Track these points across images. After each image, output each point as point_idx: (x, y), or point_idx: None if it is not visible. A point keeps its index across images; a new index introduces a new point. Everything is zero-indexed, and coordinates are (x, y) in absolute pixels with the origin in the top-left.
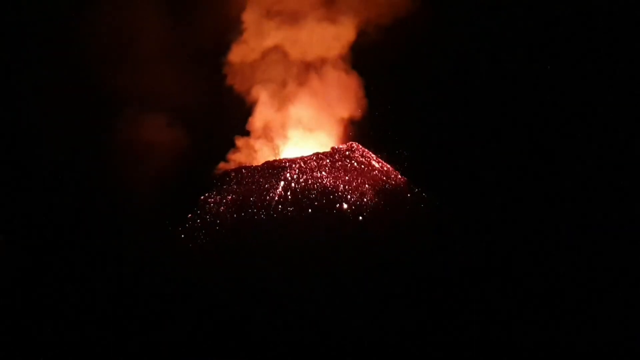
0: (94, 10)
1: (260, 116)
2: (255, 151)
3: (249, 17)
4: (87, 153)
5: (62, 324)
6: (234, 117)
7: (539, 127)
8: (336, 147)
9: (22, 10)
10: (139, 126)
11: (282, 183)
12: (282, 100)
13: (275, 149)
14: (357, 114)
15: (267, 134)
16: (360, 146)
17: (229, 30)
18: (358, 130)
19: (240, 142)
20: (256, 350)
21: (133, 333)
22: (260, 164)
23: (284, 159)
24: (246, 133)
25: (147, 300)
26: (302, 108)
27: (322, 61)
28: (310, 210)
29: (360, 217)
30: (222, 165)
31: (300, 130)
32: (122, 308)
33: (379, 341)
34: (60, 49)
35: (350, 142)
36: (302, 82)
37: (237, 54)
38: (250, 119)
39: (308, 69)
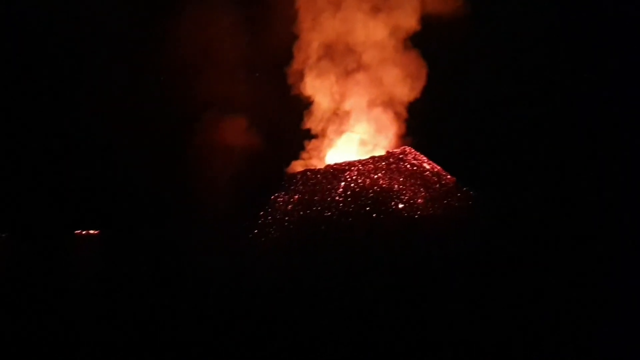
0: (176, 17)
1: (322, 121)
2: (318, 155)
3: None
4: (169, 155)
5: (148, 318)
6: (301, 121)
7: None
8: (391, 150)
9: (108, 16)
10: (218, 130)
11: (342, 184)
12: (341, 105)
13: (335, 153)
14: (411, 116)
15: (328, 139)
16: (413, 150)
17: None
18: (411, 133)
19: (306, 146)
20: (322, 337)
21: (211, 322)
22: (323, 167)
23: (344, 162)
24: (312, 138)
25: (224, 291)
26: (359, 112)
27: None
28: (367, 208)
29: (415, 216)
30: (290, 168)
31: (357, 135)
32: (202, 299)
33: (434, 339)
34: (145, 53)
35: (404, 146)
36: (359, 85)
37: (299, 59)
38: (313, 124)
39: (365, 71)
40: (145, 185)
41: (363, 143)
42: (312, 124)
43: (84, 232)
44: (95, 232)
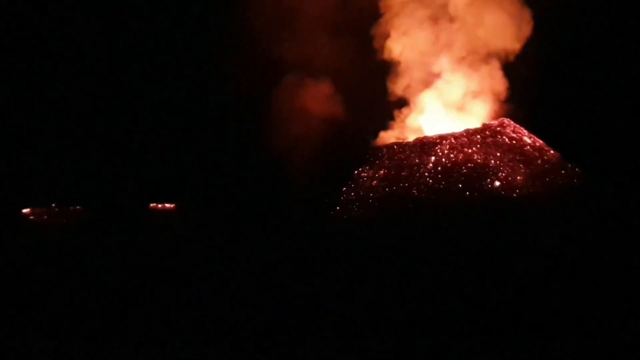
0: None
1: (411, 88)
2: (407, 126)
3: None
4: (247, 124)
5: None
6: (388, 89)
7: None
8: (487, 122)
9: None
10: (299, 96)
11: (433, 159)
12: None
13: (425, 126)
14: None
15: (418, 108)
16: (512, 122)
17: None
18: (511, 101)
19: (393, 116)
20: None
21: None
22: (412, 139)
23: (435, 135)
24: (400, 107)
25: (301, 270)
26: (452, 77)
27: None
28: (460, 186)
29: (513, 195)
30: (375, 140)
31: (451, 106)
32: (278, 277)
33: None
34: (227, 16)
35: (502, 118)
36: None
37: (386, 19)
38: (401, 91)
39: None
40: (223, 157)
41: (456, 113)
42: (400, 91)
43: (159, 205)
44: (171, 205)
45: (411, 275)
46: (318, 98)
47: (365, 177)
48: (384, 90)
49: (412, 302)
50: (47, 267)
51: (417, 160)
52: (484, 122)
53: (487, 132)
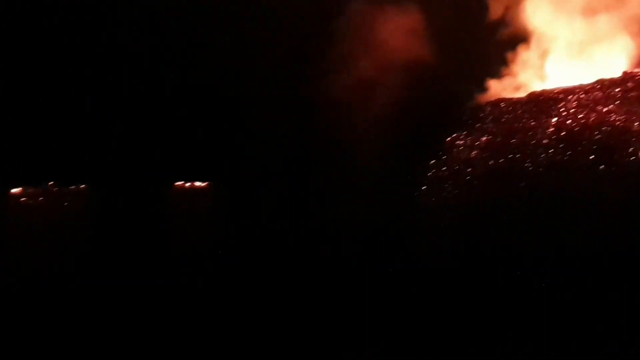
0: None
1: (525, 31)
2: (517, 78)
3: None
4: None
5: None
6: (492, 31)
7: None
8: (630, 71)
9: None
10: (376, 28)
11: (553, 121)
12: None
13: (543, 75)
14: None
15: (536, 54)
16: None
17: None
18: None
19: (498, 67)
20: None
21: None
22: (524, 95)
23: (555, 88)
24: (506, 52)
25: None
26: (577, 17)
27: None
28: (592, 157)
29: None
30: (474, 97)
31: (577, 48)
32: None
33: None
34: None
35: None
36: None
37: None
38: (507, 35)
39: None
40: (278, 124)
41: (585, 59)
42: (506, 34)
43: (187, 184)
44: (203, 184)
45: (523, 281)
46: (399, 32)
47: (462, 145)
48: (489, 27)
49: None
50: (45, 259)
51: (532, 123)
52: (626, 70)
53: (629, 84)
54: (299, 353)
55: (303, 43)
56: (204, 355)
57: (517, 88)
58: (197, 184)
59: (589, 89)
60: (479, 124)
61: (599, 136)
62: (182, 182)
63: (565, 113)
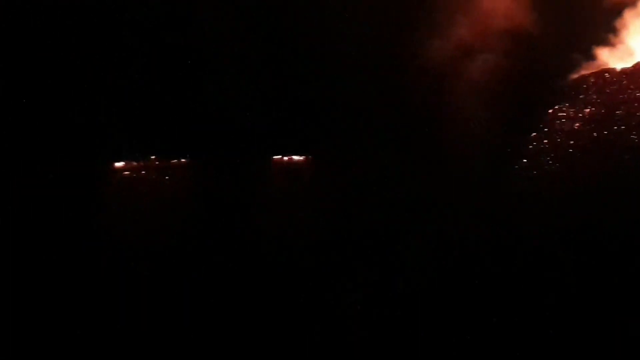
0: None
1: None
2: (623, 47)
3: None
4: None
5: None
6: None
7: None
8: None
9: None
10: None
11: None
12: None
13: None
14: None
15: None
16: None
17: None
18: None
19: (604, 35)
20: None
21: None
22: (630, 65)
23: None
24: (611, 23)
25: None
26: None
27: None
28: None
29: None
30: (577, 68)
31: None
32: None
33: None
34: None
35: None
36: None
37: None
38: None
39: None
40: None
41: None
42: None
43: (285, 158)
44: (301, 157)
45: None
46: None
47: (564, 117)
48: None
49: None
50: (148, 234)
51: (638, 94)
52: None
53: None
54: None
55: (398, 9)
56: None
57: (623, 58)
58: (295, 157)
59: None
60: (582, 95)
61: None
62: (280, 155)
63: None
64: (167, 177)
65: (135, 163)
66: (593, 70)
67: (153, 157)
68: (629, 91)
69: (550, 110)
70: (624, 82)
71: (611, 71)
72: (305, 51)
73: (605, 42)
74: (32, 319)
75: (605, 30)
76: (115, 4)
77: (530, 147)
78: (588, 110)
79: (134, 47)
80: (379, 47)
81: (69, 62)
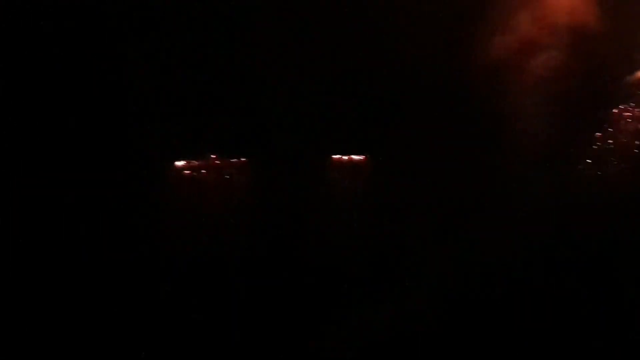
0: None
1: None
2: None
3: None
4: None
5: None
6: None
7: None
8: None
9: None
10: None
11: None
12: None
13: None
14: None
15: None
16: None
17: None
18: None
19: None
20: None
21: None
22: None
23: None
24: None
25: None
26: None
27: None
28: None
29: None
30: None
31: None
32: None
33: None
34: None
35: None
36: None
37: None
38: None
39: None
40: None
41: None
42: None
43: (345, 157)
44: (361, 157)
45: None
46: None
47: (629, 117)
48: None
49: None
50: (208, 233)
51: None
52: None
53: None
54: None
55: (459, 5)
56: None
57: None
58: (355, 157)
59: None
60: None
61: None
62: (339, 155)
63: None
64: (227, 176)
65: (195, 162)
66: None
67: (213, 156)
68: None
69: (615, 110)
70: None
71: None
72: (365, 49)
73: None
74: (95, 321)
75: None
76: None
77: (595, 147)
78: None
79: (194, 45)
80: (440, 45)
81: (131, 61)
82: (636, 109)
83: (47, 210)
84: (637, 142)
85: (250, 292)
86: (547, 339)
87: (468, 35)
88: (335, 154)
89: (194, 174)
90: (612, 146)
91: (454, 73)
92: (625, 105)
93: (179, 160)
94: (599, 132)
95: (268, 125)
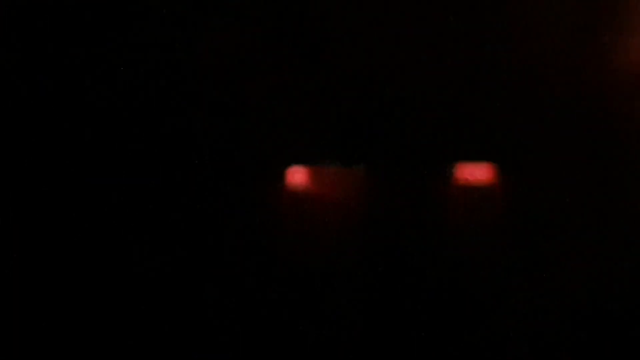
0: None
1: None
2: None
3: None
4: None
5: None
6: None
7: None
8: None
9: None
10: None
11: None
12: None
13: None
14: None
15: None
16: None
17: None
18: None
19: None
20: None
21: None
22: None
23: None
24: None
25: None
26: None
27: None
28: None
29: None
30: None
31: None
32: None
33: None
34: None
35: None
36: None
37: None
38: None
39: None
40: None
41: None
42: None
43: (465, 166)
44: (482, 166)
45: None
46: None
47: None
48: None
49: None
50: (320, 240)
51: None
52: None
53: None
54: None
55: (587, 6)
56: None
57: None
58: (477, 166)
59: None
60: None
61: None
62: (460, 162)
63: None
64: (340, 184)
65: (308, 167)
66: None
67: (327, 161)
68: None
69: None
70: None
71: None
72: (489, 55)
73: None
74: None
75: None
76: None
77: None
78: None
79: (321, 47)
80: (568, 49)
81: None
82: None
83: (175, 214)
84: None
85: (355, 296)
86: None
87: (597, 39)
88: (462, 161)
89: (306, 179)
90: None
91: (583, 80)
92: None
93: (291, 165)
94: None
95: (390, 132)
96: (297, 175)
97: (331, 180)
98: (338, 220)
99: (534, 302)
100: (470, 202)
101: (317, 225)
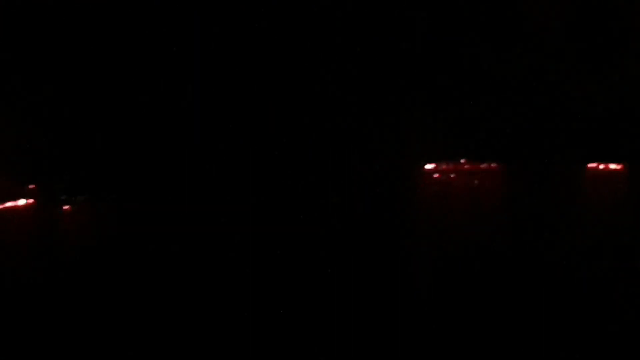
0: None
1: None
2: None
3: None
4: None
5: None
6: None
7: None
8: None
9: None
10: None
11: None
12: None
13: None
14: None
15: None
16: None
17: None
18: None
19: None
20: None
21: None
22: None
23: None
24: None
25: None
26: None
27: None
28: None
29: None
30: None
31: None
32: None
33: None
34: None
35: None
36: None
37: None
38: None
39: None
40: None
41: None
42: None
43: (600, 166)
44: (618, 165)
45: None
46: None
47: None
48: None
49: None
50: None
51: None
52: None
53: None
54: None
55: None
56: None
57: None
58: (612, 165)
59: None
60: None
61: None
62: (596, 162)
63: None
64: (476, 181)
65: (445, 166)
66: None
67: (463, 160)
68: None
69: None
70: None
71: None
72: (613, 57)
73: None
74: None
75: None
76: None
77: None
78: None
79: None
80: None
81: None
82: None
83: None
84: None
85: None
86: None
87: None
88: (592, 162)
89: (443, 177)
90: None
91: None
92: None
93: (429, 163)
94: None
95: (524, 131)
96: (436, 172)
97: (468, 176)
98: (470, 211)
99: None
100: (600, 199)
101: (451, 217)
